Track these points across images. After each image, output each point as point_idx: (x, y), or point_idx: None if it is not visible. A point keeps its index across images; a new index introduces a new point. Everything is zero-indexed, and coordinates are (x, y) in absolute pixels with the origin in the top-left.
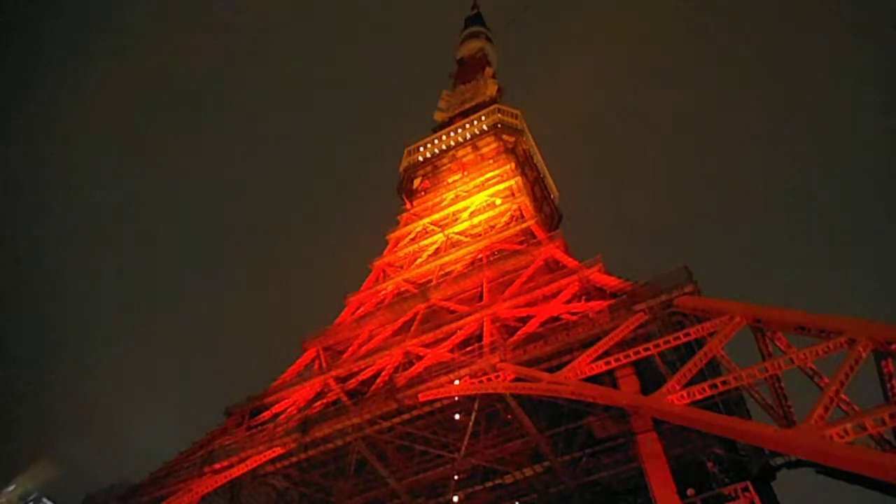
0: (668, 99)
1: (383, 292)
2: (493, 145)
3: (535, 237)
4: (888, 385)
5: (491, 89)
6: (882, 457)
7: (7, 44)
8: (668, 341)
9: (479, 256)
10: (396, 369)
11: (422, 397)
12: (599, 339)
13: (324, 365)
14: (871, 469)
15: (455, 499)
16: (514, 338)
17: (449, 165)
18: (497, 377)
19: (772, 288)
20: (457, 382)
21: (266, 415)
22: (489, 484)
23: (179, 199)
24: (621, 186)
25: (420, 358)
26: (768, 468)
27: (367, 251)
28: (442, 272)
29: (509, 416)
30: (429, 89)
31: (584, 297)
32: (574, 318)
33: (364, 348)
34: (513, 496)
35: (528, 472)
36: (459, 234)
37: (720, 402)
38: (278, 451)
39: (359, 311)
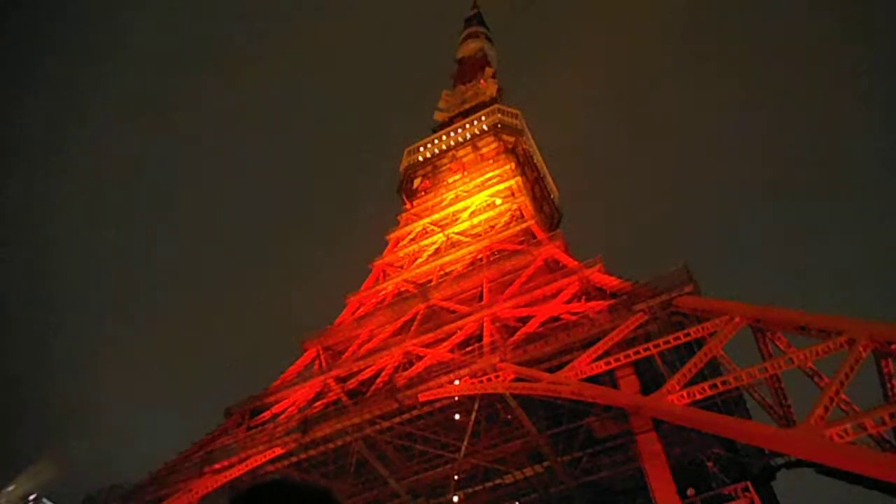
0: (669, 98)
1: (383, 292)
2: (493, 145)
3: (535, 237)
4: (888, 385)
5: (491, 89)
6: (882, 457)
7: (6, 44)
8: (668, 341)
9: (479, 256)
10: (396, 369)
11: (422, 397)
12: (599, 339)
13: (324, 365)
14: (871, 469)
15: (455, 499)
16: (514, 338)
17: (449, 165)
18: (497, 377)
19: (772, 288)
20: (457, 382)
21: (266, 415)
22: (489, 484)
23: (179, 198)
24: (621, 186)
25: (420, 358)
26: (768, 468)
27: (367, 251)
28: (442, 272)
29: (509, 416)
30: (429, 89)
31: (584, 297)
32: (574, 318)
33: (364, 348)
34: (513, 496)
35: (528, 472)
36: (459, 234)
37: (720, 402)
38: (278, 451)
39: (359, 311)
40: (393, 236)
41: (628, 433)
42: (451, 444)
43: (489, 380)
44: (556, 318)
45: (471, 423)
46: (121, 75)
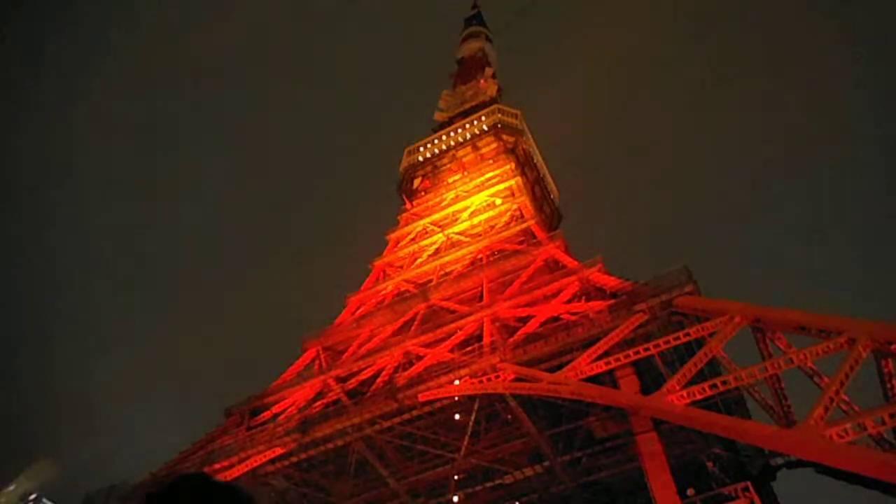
0: (669, 98)
1: (383, 292)
2: (494, 145)
3: (535, 237)
4: (888, 385)
5: (491, 89)
6: (882, 457)
7: (6, 44)
8: (668, 341)
9: (479, 256)
10: (396, 369)
11: (422, 397)
12: (599, 339)
13: (324, 365)
14: (871, 469)
15: (455, 499)
16: (514, 338)
17: (449, 165)
18: (497, 377)
19: (772, 288)
20: (457, 382)
21: (266, 415)
22: (489, 484)
23: (179, 199)
24: (621, 186)
25: (420, 358)
26: (768, 468)
27: (367, 251)
28: (442, 272)
29: (509, 416)
30: (429, 89)
31: (584, 297)
32: (574, 318)
33: (364, 348)
34: (513, 496)
35: (528, 472)
36: (459, 234)
37: (720, 402)
38: (278, 451)
39: (359, 311)
40: (393, 236)
41: (628, 433)
42: (451, 444)
43: (489, 380)
44: (556, 318)
45: (471, 423)
46: (121, 76)
